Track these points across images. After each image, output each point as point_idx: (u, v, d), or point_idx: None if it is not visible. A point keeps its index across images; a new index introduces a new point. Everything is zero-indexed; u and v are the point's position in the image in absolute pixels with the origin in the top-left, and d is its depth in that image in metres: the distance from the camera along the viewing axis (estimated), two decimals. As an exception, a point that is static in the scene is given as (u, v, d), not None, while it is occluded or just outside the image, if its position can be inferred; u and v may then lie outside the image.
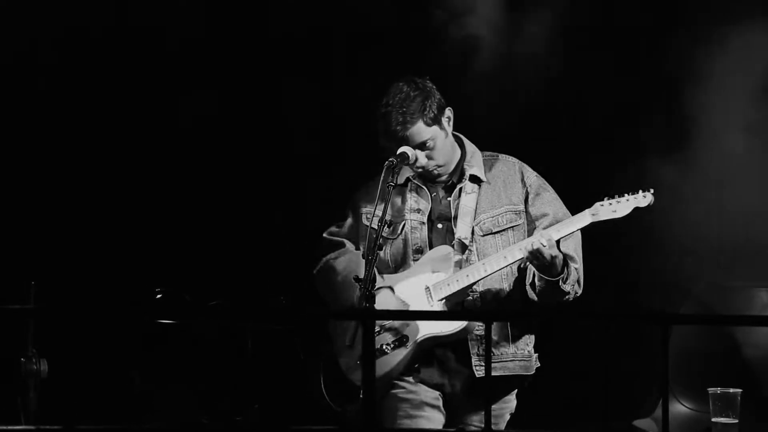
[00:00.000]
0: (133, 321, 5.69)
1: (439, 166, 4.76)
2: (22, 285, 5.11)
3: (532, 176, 4.84)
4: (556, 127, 6.06)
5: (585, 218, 4.57)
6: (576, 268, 4.65)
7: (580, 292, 4.69)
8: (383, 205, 4.60)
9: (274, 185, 6.28)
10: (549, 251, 4.51)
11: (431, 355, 4.73)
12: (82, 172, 6.29)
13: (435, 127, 4.73)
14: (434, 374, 4.73)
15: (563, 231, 4.58)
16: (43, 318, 5.30)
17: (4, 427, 3.75)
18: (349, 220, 4.92)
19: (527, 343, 4.79)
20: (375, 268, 4.55)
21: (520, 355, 4.77)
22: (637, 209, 4.51)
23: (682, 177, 5.92)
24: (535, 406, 4.86)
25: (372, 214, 4.75)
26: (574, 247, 4.71)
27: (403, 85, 4.73)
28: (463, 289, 4.67)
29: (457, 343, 4.71)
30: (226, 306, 5.60)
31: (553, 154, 5.74)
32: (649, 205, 4.49)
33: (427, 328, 4.67)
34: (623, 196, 4.52)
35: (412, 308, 4.70)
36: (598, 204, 4.57)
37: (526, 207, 4.79)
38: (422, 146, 4.72)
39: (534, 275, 4.65)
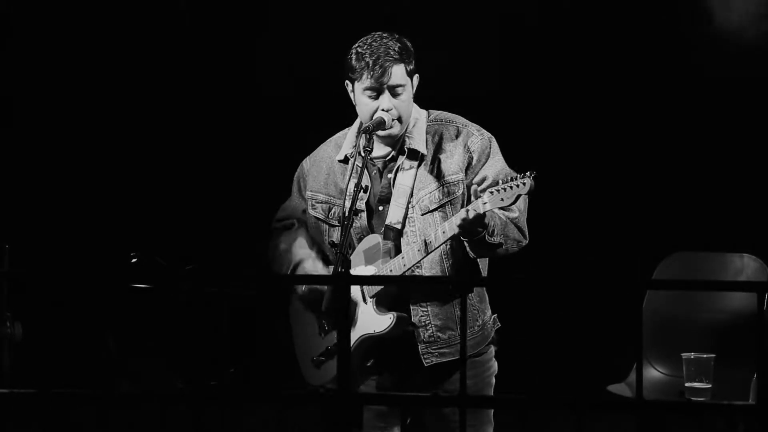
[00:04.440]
0: (107, 285, 5.67)
1: (394, 120, 4.35)
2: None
3: (477, 141, 4.40)
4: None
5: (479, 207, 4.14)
6: (512, 218, 4.28)
7: (525, 242, 4.32)
8: (360, 170, 4.29)
9: (251, 148, 6.25)
10: (475, 222, 4.15)
11: (382, 359, 4.40)
12: (56, 135, 6.26)
13: (408, 80, 4.39)
14: (386, 380, 4.42)
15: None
16: (17, 281, 5.29)
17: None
18: (294, 203, 4.63)
19: (477, 319, 4.45)
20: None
21: (470, 333, 4.41)
22: (520, 196, 4.10)
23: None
24: (506, 373, 4.78)
25: (316, 200, 4.51)
26: None
27: (383, 33, 4.40)
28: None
29: (399, 340, 4.36)
30: (201, 270, 5.59)
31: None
32: (530, 190, 4.08)
33: (360, 329, 4.35)
34: (508, 181, 4.11)
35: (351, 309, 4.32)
36: (487, 193, 4.14)
37: (466, 174, 4.39)
38: (394, 90, 4.36)
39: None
